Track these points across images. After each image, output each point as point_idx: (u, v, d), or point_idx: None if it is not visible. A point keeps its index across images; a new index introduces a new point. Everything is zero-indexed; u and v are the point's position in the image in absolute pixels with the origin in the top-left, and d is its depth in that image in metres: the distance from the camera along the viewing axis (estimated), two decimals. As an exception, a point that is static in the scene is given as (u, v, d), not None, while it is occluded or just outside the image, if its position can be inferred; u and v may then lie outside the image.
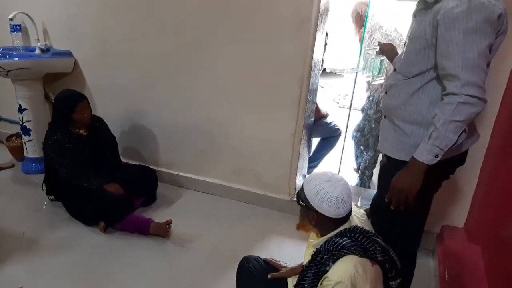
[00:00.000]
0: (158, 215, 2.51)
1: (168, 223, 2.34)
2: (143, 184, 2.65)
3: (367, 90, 2.64)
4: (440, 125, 1.25)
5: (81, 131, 2.47)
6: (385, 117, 1.57)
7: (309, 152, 3.01)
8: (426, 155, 1.31)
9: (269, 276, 1.71)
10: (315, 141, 3.15)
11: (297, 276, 1.65)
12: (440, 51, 1.27)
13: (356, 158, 3.07)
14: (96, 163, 2.51)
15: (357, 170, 3.09)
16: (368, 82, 2.52)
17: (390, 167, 1.51)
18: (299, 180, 2.66)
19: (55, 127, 2.43)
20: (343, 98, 5.71)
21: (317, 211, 1.38)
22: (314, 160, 3.08)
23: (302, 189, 1.44)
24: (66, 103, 2.38)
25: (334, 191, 1.35)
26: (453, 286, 1.82)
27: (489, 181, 2.04)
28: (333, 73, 6.37)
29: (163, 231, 2.33)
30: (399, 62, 1.47)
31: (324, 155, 3.12)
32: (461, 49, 1.20)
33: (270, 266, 1.75)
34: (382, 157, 1.67)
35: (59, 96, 2.45)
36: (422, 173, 1.34)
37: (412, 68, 1.39)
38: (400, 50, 1.59)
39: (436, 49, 1.28)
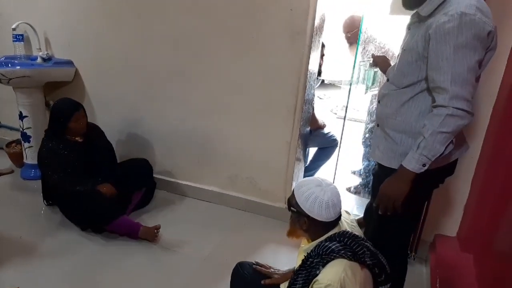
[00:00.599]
0: (154, 222, 2.52)
1: (157, 228, 2.37)
2: (139, 174, 2.69)
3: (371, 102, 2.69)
4: (429, 135, 1.30)
5: (76, 138, 2.50)
6: (377, 125, 1.61)
7: (306, 162, 3.04)
8: (414, 163, 1.35)
9: (262, 282, 1.72)
10: (312, 151, 3.20)
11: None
12: (431, 64, 1.31)
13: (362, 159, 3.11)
14: (91, 170, 2.53)
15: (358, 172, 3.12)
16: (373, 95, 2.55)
17: (382, 175, 1.55)
18: (295, 189, 2.68)
19: (51, 134, 2.47)
20: (341, 109, 5.78)
21: (308, 216, 1.40)
22: (311, 169, 3.12)
23: (293, 195, 1.46)
24: (63, 112, 2.42)
25: (325, 195, 1.38)
26: (445, 293, 1.83)
27: (480, 190, 2.07)
28: (331, 85, 6.44)
29: (151, 236, 2.36)
30: (392, 72, 1.52)
31: (321, 165, 3.15)
32: (451, 63, 1.24)
33: (261, 274, 1.75)
34: (375, 165, 1.70)
35: (56, 104, 2.48)
36: (410, 181, 1.38)
37: (404, 79, 1.44)
38: (393, 62, 1.64)
39: (427, 61, 1.32)
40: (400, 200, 1.41)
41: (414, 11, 1.43)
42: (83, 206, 2.37)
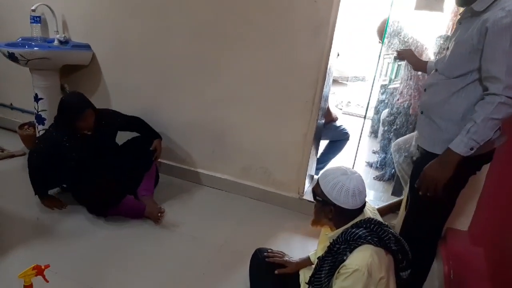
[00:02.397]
0: (169, 209, 2.58)
1: (161, 212, 2.45)
2: (137, 150, 2.67)
3: (382, 94, 2.72)
4: (480, 121, 1.38)
5: (84, 131, 2.46)
6: (421, 112, 1.69)
7: (317, 154, 3.08)
8: (462, 147, 1.43)
9: (276, 272, 1.77)
10: (322, 143, 3.23)
11: (308, 268, 1.72)
12: (486, 56, 1.39)
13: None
14: (97, 160, 2.54)
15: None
16: (384, 86, 2.61)
17: (423, 160, 1.63)
18: (308, 180, 2.72)
19: (58, 125, 2.46)
20: (346, 105, 5.87)
21: (334, 204, 1.44)
22: (321, 162, 3.15)
23: (317, 184, 1.50)
24: (71, 110, 2.39)
25: (351, 183, 1.42)
26: (458, 284, 1.88)
27: (494, 186, 2.11)
28: (335, 81, 6.51)
29: (154, 217, 2.44)
30: (441, 63, 1.60)
31: (332, 158, 3.19)
32: (507, 56, 1.33)
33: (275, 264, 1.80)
34: (415, 152, 1.79)
35: (65, 100, 2.44)
36: (455, 164, 1.46)
37: (455, 70, 1.51)
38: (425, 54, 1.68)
39: (481, 53, 1.41)
40: (442, 182, 1.49)
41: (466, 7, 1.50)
42: (83, 194, 2.48)
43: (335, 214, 1.47)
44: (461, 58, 1.48)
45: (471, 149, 1.42)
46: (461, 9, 1.98)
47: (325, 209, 1.48)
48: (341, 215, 1.47)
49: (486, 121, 1.38)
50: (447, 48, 1.60)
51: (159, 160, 2.81)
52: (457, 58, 1.50)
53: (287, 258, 1.84)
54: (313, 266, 1.61)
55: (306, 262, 1.81)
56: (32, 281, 1.61)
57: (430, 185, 1.51)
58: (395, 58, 1.94)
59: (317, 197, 1.50)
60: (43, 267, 1.65)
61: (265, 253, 1.87)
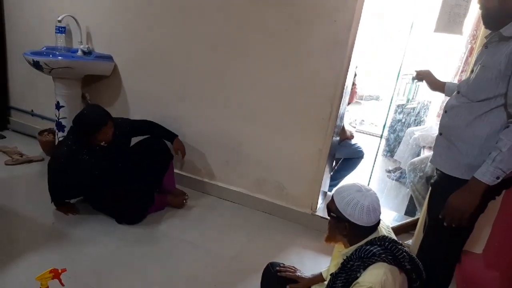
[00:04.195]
0: (182, 220, 2.63)
1: (185, 198, 2.78)
2: (153, 152, 2.71)
3: (398, 113, 2.74)
4: (507, 150, 1.36)
5: (101, 143, 2.47)
6: (440, 134, 1.67)
7: (330, 171, 3.08)
8: (488, 176, 1.41)
9: (288, 287, 1.76)
10: (336, 161, 3.24)
11: (321, 285, 1.72)
12: None
13: None
14: (113, 170, 2.58)
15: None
16: (401, 106, 2.62)
17: (441, 183, 1.63)
18: (321, 196, 2.73)
19: (75, 137, 2.46)
20: (360, 124, 5.89)
21: (349, 221, 1.44)
22: (335, 179, 3.16)
23: (332, 201, 1.49)
24: (90, 125, 2.38)
25: (366, 200, 1.42)
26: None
27: (510, 209, 2.09)
28: (349, 100, 6.56)
29: (179, 203, 2.75)
30: (465, 86, 1.58)
31: (345, 175, 3.20)
32: None
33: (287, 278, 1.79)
34: (434, 176, 1.77)
35: (84, 115, 2.43)
36: (481, 194, 1.44)
37: (480, 94, 1.50)
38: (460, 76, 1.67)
39: (509, 79, 1.40)
40: (468, 213, 1.47)
41: (495, 32, 1.50)
42: (111, 205, 2.54)
43: (350, 230, 1.47)
44: (487, 82, 1.47)
45: (497, 178, 1.40)
46: (481, 33, 2.01)
47: (340, 226, 1.48)
48: (355, 232, 1.46)
49: None
50: (472, 71, 1.59)
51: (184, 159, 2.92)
52: (483, 82, 1.49)
53: (299, 274, 1.82)
54: (326, 282, 1.61)
55: (318, 278, 1.80)
56: (48, 284, 1.64)
57: (455, 216, 1.48)
58: (413, 78, 1.95)
59: (332, 213, 1.50)
60: (60, 270, 1.68)
61: (277, 268, 1.87)
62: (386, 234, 1.50)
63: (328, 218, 1.54)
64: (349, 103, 2.91)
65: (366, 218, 1.42)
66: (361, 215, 1.42)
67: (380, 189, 3.39)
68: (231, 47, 2.66)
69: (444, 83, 1.91)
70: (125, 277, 2.07)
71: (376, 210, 1.45)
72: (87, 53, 3.05)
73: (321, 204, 2.76)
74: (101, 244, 2.31)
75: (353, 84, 2.75)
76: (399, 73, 2.52)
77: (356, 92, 3.05)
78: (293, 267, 1.87)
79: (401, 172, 3.27)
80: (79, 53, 3.03)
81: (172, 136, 2.81)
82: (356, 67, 2.70)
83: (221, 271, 2.20)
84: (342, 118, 2.69)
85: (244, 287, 2.07)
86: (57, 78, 2.99)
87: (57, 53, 3.03)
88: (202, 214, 2.77)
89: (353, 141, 3.13)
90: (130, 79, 3.13)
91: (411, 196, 2.89)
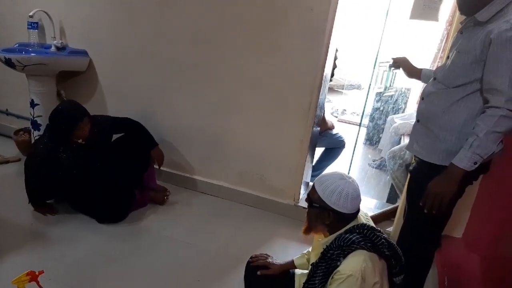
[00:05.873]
0: (165, 215, 2.61)
1: (166, 194, 2.75)
2: (134, 151, 2.67)
3: (377, 101, 2.75)
4: (483, 135, 1.37)
5: (78, 141, 2.42)
6: (418, 121, 1.68)
7: (312, 162, 3.09)
8: (466, 161, 1.42)
9: (258, 273, 1.79)
10: (318, 151, 3.24)
11: (304, 274, 1.72)
12: (489, 67, 1.39)
13: None
14: (93, 169, 2.50)
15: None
16: (379, 94, 2.63)
17: (420, 169, 1.65)
18: (303, 187, 2.73)
19: (51, 135, 2.39)
20: (341, 113, 5.92)
21: (333, 209, 1.44)
22: (317, 169, 3.16)
23: (314, 190, 1.48)
24: (68, 121, 2.32)
25: (350, 187, 1.42)
26: (452, 291, 1.89)
27: (488, 193, 2.13)
28: (331, 89, 6.57)
29: (160, 200, 2.72)
30: (441, 72, 1.58)
31: (327, 165, 3.21)
32: (510, 68, 1.33)
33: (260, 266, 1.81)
34: (412, 163, 1.78)
35: (61, 110, 2.36)
36: (459, 180, 1.45)
37: (456, 79, 1.50)
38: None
39: (484, 64, 1.40)
40: (448, 198, 1.48)
41: (469, 17, 1.50)
42: (92, 206, 2.49)
43: (333, 219, 1.47)
44: (463, 68, 1.47)
45: (475, 163, 1.41)
46: (456, 19, 2.02)
47: (323, 215, 1.47)
48: (338, 220, 1.46)
49: (489, 135, 1.37)
50: (448, 57, 1.59)
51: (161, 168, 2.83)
52: (459, 68, 1.49)
53: (270, 260, 1.84)
54: (307, 271, 1.62)
55: (289, 265, 1.83)
56: (26, 287, 1.60)
57: (435, 202, 1.50)
58: (390, 66, 1.96)
59: (314, 203, 1.50)
60: (37, 273, 1.65)
61: (249, 259, 1.88)
62: (365, 222, 1.51)
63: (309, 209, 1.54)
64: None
65: (351, 206, 1.43)
66: (345, 203, 1.42)
67: (361, 177, 3.42)
68: (209, 40, 2.62)
69: (421, 69, 1.92)
70: (107, 276, 2.04)
71: (359, 197, 1.46)
72: (61, 48, 2.97)
73: (303, 195, 2.76)
74: (82, 244, 2.27)
75: (335, 58, 2.70)
76: (376, 60, 2.53)
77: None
78: (265, 254, 1.89)
79: (381, 160, 3.30)
80: (53, 48, 2.95)
81: (152, 143, 2.73)
82: (337, 50, 2.69)
83: (205, 265, 2.19)
84: (322, 108, 2.69)
85: (228, 280, 2.07)
86: (30, 75, 2.91)
87: (30, 49, 2.95)
88: (185, 209, 2.75)
89: (334, 131, 3.14)
90: (107, 74, 3.07)
91: (392, 184, 2.92)
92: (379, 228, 1.49)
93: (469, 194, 2.23)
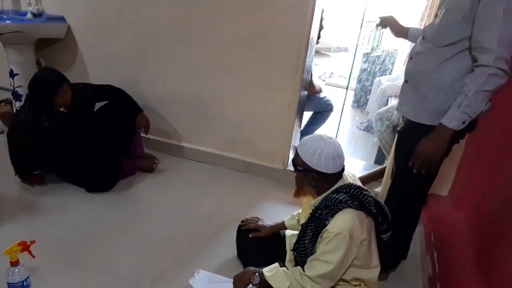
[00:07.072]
0: (155, 183, 2.60)
1: (154, 162, 2.74)
2: (119, 118, 2.64)
3: (364, 62, 2.72)
4: (472, 94, 1.36)
5: (60, 109, 2.38)
6: (406, 81, 1.66)
7: (300, 126, 3.09)
8: (455, 121, 1.41)
9: (250, 235, 1.86)
10: (306, 115, 3.24)
11: (294, 235, 1.76)
12: (478, 24, 1.36)
13: None
14: (77, 137, 2.47)
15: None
16: (366, 54, 2.60)
17: (408, 129, 1.64)
18: (292, 151, 2.74)
19: (32, 104, 2.35)
20: (329, 76, 5.89)
21: (316, 171, 1.46)
22: (305, 133, 3.16)
23: (297, 155, 1.52)
24: (47, 87, 2.28)
25: (329, 148, 1.45)
26: (439, 246, 1.94)
27: (473, 151, 2.16)
28: (318, 53, 6.50)
29: (148, 167, 2.71)
30: (430, 31, 1.55)
31: (316, 129, 3.21)
32: (499, 25, 1.30)
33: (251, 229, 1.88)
34: (400, 123, 1.78)
35: (39, 77, 2.32)
36: (448, 139, 1.45)
37: (444, 38, 1.47)
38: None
39: (473, 22, 1.37)
40: (437, 158, 1.49)
41: None
42: (79, 175, 2.47)
43: (318, 180, 1.49)
44: (452, 26, 1.44)
45: (464, 122, 1.40)
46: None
47: (308, 177, 1.51)
48: (323, 180, 1.50)
49: (477, 94, 1.35)
50: (436, 16, 1.55)
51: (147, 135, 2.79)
52: (447, 26, 1.46)
53: (261, 223, 1.91)
54: (297, 232, 1.66)
55: (280, 226, 1.89)
56: (18, 257, 1.60)
57: (424, 162, 1.50)
58: (377, 25, 1.92)
59: (298, 167, 1.52)
60: (28, 243, 1.65)
61: (240, 223, 1.92)
62: (352, 182, 1.53)
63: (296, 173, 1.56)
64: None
65: (332, 165, 1.45)
66: (327, 163, 1.44)
67: (349, 140, 3.45)
68: (192, 2, 2.53)
69: (408, 29, 1.89)
70: (99, 244, 2.05)
71: (340, 156, 1.48)
72: (37, 15, 2.86)
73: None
74: (72, 213, 2.27)
75: (321, 19, 2.65)
76: (362, 20, 2.48)
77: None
78: (256, 217, 1.94)
79: (369, 123, 3.31)
80: (29, 15, 2.84)
81: (136, 109, 2.68)
82: (323, 10, 2.63)
83: (197, 230, 2.21)
84: (309, 71, 2.66)
85: (220, 244, 2.09)
86: (7, 45, 2.81)
87: (5, 16, 2.83)
88: (174, 176, 2.75)
89: (322, 95, 3.12)
90: (86, 41, 2.97)
91: (379, 145, 2.94)
92: (365, 187, 1.51)
93: (456, 152, 2.27)
